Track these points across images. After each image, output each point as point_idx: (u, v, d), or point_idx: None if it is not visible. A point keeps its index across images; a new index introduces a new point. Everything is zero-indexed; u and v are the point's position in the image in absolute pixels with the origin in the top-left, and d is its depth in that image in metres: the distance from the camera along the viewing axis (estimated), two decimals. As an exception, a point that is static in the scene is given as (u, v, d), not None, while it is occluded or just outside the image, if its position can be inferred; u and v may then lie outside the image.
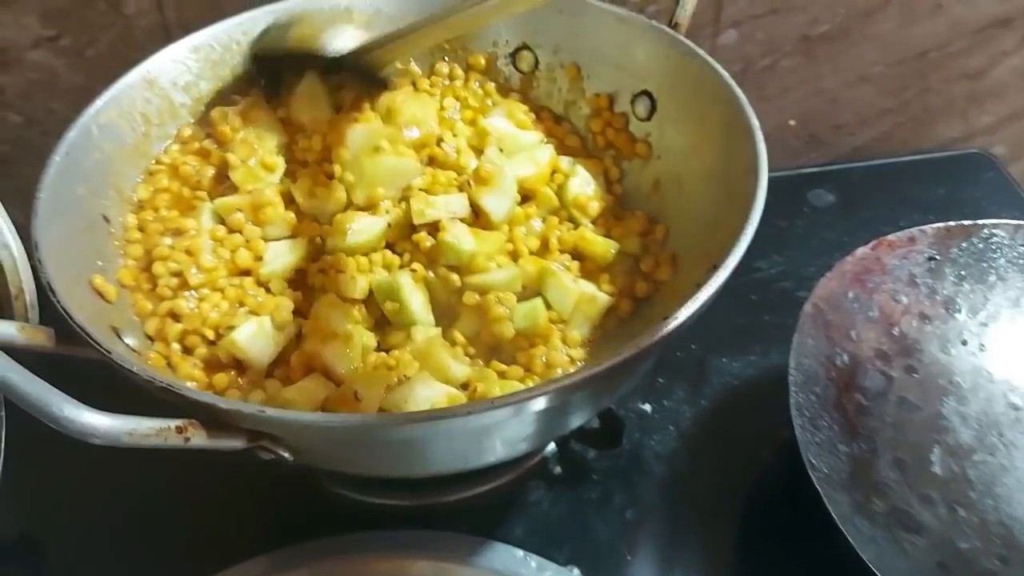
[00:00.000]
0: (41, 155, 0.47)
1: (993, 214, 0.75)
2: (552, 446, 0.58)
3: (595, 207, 0.57)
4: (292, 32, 0.56)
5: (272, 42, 0.57)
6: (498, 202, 0.54)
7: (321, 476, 0.55)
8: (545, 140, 0.60)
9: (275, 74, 0.58)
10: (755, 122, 0.49)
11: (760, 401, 0.59)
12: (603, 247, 0.54)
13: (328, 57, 0.55)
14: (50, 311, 0.41)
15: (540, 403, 0.37)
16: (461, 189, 0.55)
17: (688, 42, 0.55)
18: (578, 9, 0.60)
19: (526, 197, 0.57)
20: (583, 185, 0.57)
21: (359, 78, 0.56)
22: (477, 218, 0.54)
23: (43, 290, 0.41)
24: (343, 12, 0.60)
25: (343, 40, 0.55)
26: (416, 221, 0.52)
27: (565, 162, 0.58)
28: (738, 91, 0.51)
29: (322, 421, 0.37)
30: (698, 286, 0.41)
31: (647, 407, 0.61)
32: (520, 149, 0.59)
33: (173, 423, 0.34)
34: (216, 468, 0.49)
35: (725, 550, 0.53)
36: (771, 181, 0.79)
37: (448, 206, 0.53)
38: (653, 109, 0.59)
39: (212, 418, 0.36)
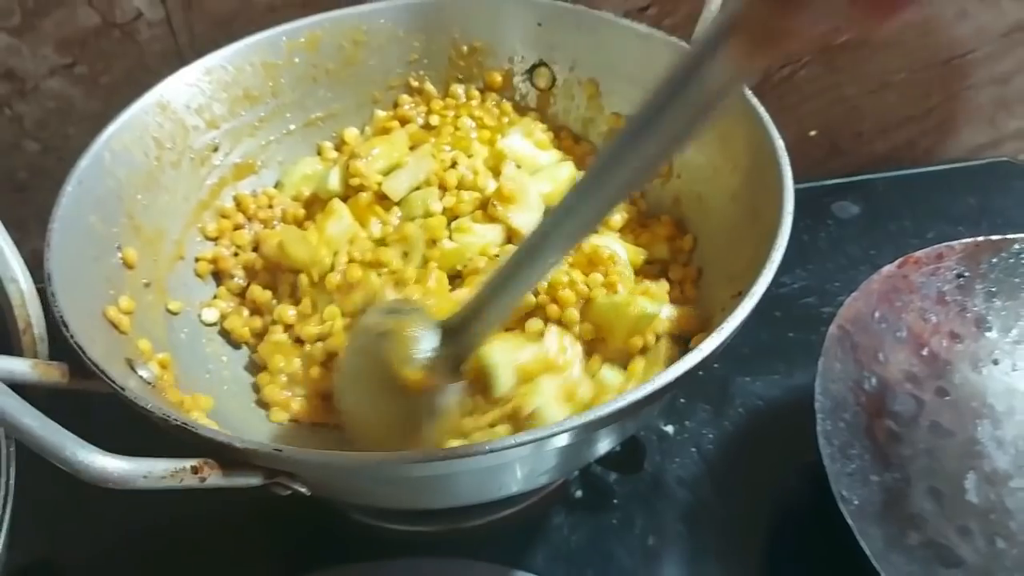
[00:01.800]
0: (58, 182, 0.47)
1: (1026, 224, 0.73)
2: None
3: (618, 219, 0.56)
4: None
5: None
6: (526, 218, 0.54)
7: (340, 504, 0.55)
8: (564, 158, 0.59)
9: None
10: (780, 143, 0.48)
11: (786, 423, 0.57)
12: (633, 254, 0.54)
13: None
14: (59, 343, 0.40)
15: (562, 439, 0.36)
16: (484, 208, 0.54)
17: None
18: (596, 25, 0.59)
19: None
20: None
21: None
22: (510, 240, 0.54)
23: (52, 322, 0.40)
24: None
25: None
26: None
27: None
28: (761, 109, 0.50)
29: (338, 461, 0.36)
30: (723, 311, 0.40)
31: (669, 428, 0.60)
32: (538, 169, 0.58)
33: (189, 463, 0.33)
34: (234, 494, 0.48)
35: (753, 581, 0.52)
36: (794, 194, 0.78)
37: (485, 235, 0.53)
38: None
39: (228, 456, 0.35)
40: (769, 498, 0.55)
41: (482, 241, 0.53)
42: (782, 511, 0.54)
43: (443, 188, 0.55)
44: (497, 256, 0.53)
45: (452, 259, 0.52)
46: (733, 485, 0.56)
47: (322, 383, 0.50)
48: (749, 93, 0.51)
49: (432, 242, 0.52)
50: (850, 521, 0.43)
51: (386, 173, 0.56)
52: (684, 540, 0.54)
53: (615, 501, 0.56)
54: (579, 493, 0.56)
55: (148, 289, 0.50)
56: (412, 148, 0.59)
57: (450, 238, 0.53)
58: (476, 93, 0.62)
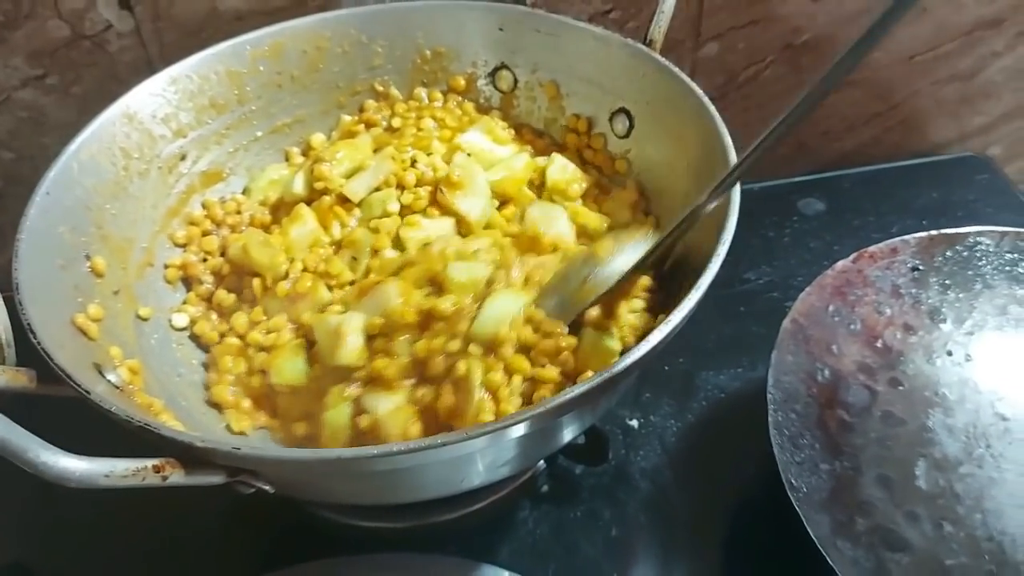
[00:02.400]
0: (33, 189, 0.48)
1: (988, 216, 0.75)
2: (542, 463, 0.58)
3: (576, 188, 0.58)
4: None
5: None
6: (472, 203, 0.55)
7: (309, 503, 0.56)
8: (521, 149, 0.61)
9: None
10: (728, 141, 0.49)
11: (746, 415, 0.58)
12: (595, 221, 0.55)
13: None
14: (28, 350, 0.41)
15: (518, 430, 0.37)
16: (434, 197, 0.55)
17: (662, 59, 0.55)
18: (555, 28, 0.60)
19: (505, 202, 0.58)
20: (560, 171, 0.58)
21: None
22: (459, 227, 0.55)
23: (21, 330, 0.42)
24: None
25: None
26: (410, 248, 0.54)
27: (541, 160, 0.59)
28: (711, 107, 0.51)
29: (296, 457, 0.37)
30: (670, 308, 0.41)
31: (633, 422, 0.61)
32: (496, 162, 0.59)
33: (150, 462, 0.34)
34: (205, 495, 0.49)
35: (711, 569, 0.53)
36: (760, 191, 0.80)
37: (430, 230, 0.54)
38: (631, 126, 0.59)
39: (190, 455, 0.36)
40: (727, 488, 0.56)
41: (426, 235, 0.54)
42: (739, 500, 0.55)
43: (402, 187, 0.57)
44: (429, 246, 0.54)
45: (389, 268, 0.53)
46: (694, 476, 0.57)
47: (260, 390, 0.52)
48: (700, 93, 0.52)
49: (374, 252, 0.54)
50: (797, 508, 0.45)
51: (349, 176, 0.58)
52: (646, 530, 0.55)
53: (581, 494, 0.57)
54: (545, 487, 0.58)
55: (117, 296, 0.51)
56: (376, 151, 0.60)
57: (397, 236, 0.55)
58: (439, 95, 0.64)
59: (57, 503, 0.56)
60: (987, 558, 0.47)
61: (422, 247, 0.54)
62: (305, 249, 0.55)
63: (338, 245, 0.56)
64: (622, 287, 0.47)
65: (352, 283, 0.54)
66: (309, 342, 0.52)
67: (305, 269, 0.54)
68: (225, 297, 0.55)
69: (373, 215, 0.56)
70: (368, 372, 0.48)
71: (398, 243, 0.55)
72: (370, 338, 0.49)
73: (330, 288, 0.54)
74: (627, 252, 0.49)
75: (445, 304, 0.47)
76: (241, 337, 0.54)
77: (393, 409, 0.46)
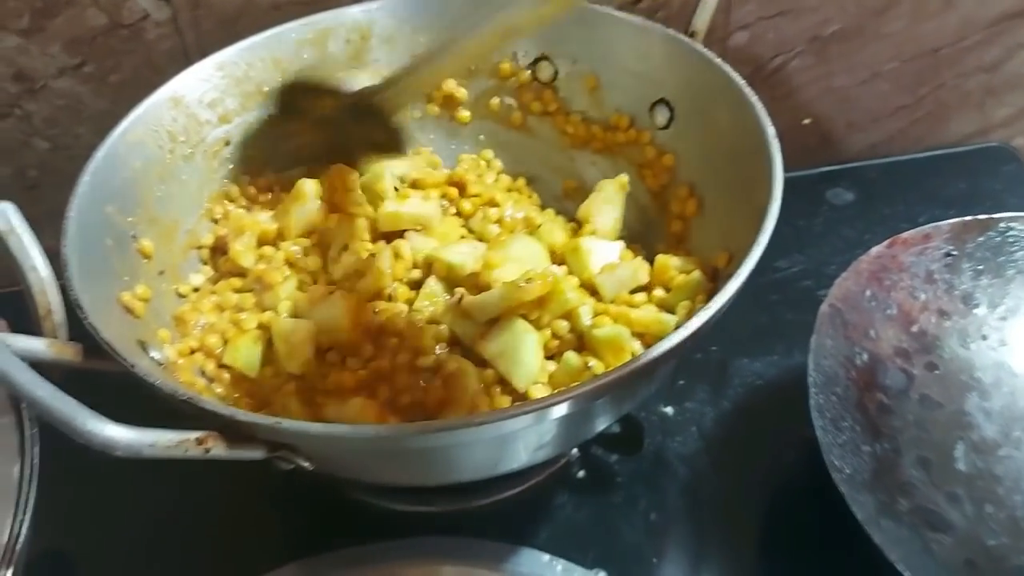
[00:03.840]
0: (68, 179, 0.48)
1: (1015, 206, 0.74)
2: (575, 451, 0.58)
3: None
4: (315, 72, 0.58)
5: (294, 77, 0.59)
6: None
7: (347, 485, 0.56)
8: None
9: (290, 107, 0.58)
10: (771, 130, 0.49)
11: (783, 401, 0.59)
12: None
13: (344, 92, 0.55)
14: (79, 328, 0.42)
15: (561, 409, 0.38)
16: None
17: (704, 50, 0.56)
18: (595, 19, 0.61)
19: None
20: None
21: (371, 127, 0.55)
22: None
23: (71, 307, 0.42)
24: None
25: (360, 79, 0.56)
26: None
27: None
28: (754, 99, 0.51)
29: (335, 432, 0.38)
30: (709, 296, 0.41)
31: (669, 410, 0.61)
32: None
33: (193, 435, 0.35)
34: (244, 478, 0.50)
35: (750, 551, 0.53)
36: (789, 181, 0.79)
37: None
38: (672, 117, 0.59)
39: (232, 430, 0.36)
40: (766, 471, 0.56)
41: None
42: (778, 483, 0.55)
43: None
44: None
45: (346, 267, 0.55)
46: (732, 461, 0.57)
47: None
48: (743, 83, 0.52)
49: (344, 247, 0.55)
50: (841, 489, 0.45)
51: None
52: (685, 514, 0.55)
53: (618, 480, 0.57)
54: (581, 474, 0.58)
55: (163, 277, 0.52)
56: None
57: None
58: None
59: (96, 492, 0.56)
60: (1029, 538, 0.48)
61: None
62: (302, 229, 0.56)
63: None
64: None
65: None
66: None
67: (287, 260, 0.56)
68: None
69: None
70: (326, 384, 0.49)
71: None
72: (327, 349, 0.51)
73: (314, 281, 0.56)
74: None
75: (398, 321, 0.48)
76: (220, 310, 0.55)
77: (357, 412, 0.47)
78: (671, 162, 0.58)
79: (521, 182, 0.65)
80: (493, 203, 0.60)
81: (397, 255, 0.55)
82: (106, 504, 0.57)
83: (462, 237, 0.59)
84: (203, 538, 0.56)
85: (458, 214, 0.61)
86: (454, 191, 0.61)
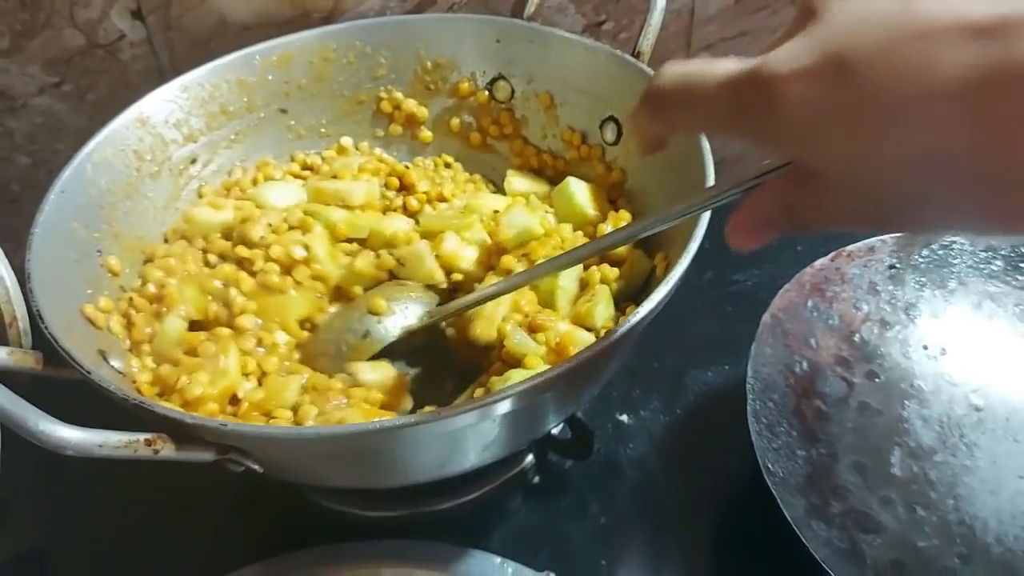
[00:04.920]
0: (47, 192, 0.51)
1: (972, 221, 0.76)
2: (530, 457, 0.60)
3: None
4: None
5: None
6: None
7: (307, 490, 0.58)
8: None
9: None
10: (705, 144, 0.51)
11: (731, 408, 0.60)
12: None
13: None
14: (42, 337, 0.44)
15: (503, 407, 0.39)
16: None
17: (646, 68, 0.58)
18: (547, 40, 0.63)
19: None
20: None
21: None
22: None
23: (35, 317, 0.44)
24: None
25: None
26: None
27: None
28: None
29: (277, 433, 0.40)
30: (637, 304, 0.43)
31: (624, 417, 0.63)
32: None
33: (142, 436, 0.37)
34: (203, 484, 0.52)
35: (696, 553, 0.55)
36: (746, 195, 0.81)
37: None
38: (619, 133, 0.61)
39: (181, 432, 0.38)
40: (712, 475, 0.58)
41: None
42: (723, 487, 0.57)
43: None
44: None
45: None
46: (681, 465, 0.59)
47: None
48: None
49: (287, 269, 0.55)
50: (774, 491, 0.47)
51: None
52: (634, 517, 0.57)
53: (571, 485, 0.59)
54: (536, 479, 0.60)
55: (123, 290, 0.54)
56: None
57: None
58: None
59: (69, 493, 0.58)
60: (958, 541, 0.49)
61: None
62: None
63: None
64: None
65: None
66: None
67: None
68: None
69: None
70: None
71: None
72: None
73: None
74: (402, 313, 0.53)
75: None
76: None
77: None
78: (619, 177, 0.61)
79: (477, 176, 0.67)
80: (442, 198, 0.62)
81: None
82: (78, 504, 0.59)
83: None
84: (168, 540, 0.57)
85: (405, 209, 0.62)
86: (395, 181, 0.63)
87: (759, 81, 0.27)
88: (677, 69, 0.31)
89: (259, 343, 0.51)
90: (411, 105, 0.67)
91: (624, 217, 0.58)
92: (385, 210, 0.62)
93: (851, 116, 0.26)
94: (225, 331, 0.51)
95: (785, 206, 0.31)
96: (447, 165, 0.68)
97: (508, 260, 0.54)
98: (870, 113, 0.25)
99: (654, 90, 0.32)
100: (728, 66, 0.29)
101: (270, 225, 0.55)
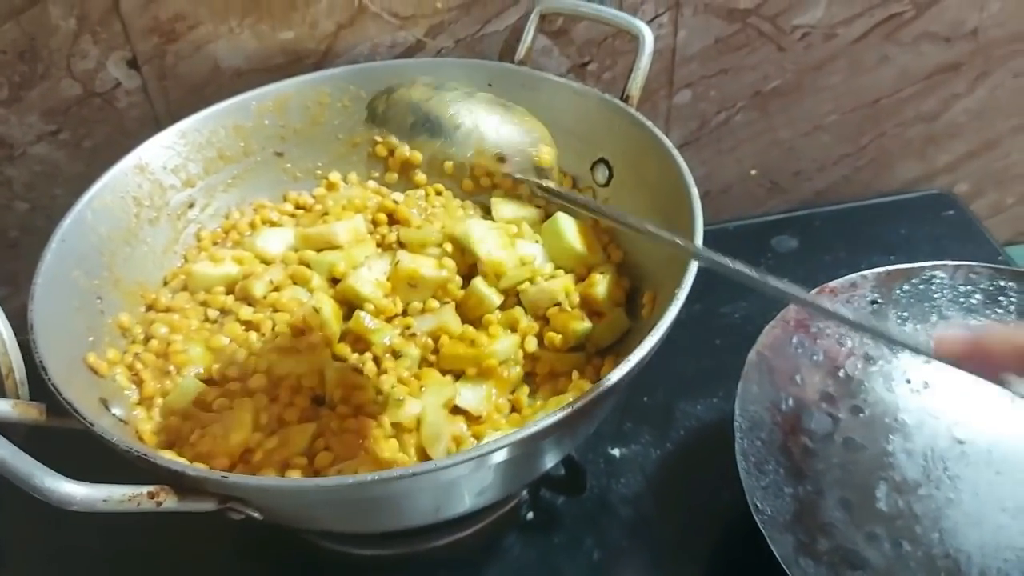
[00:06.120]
0: (46, 237, 0.52)
1: (954, 251, 0.78)
2: (524, 494, 0.61)
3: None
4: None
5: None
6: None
7: (303, 531, 0.59)
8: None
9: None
10: (692, 188, 0.53)
11: (721, 443, 0.61)
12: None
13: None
14: (41, 386, 0.45)
15: (500, 456, 0.40)
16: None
17: (635, 112, 0.60)
18: (538, 83, 0.65)
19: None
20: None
21: None
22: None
23: (32, 366, 0.45)
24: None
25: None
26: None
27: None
28: (679, 157, 0.55)
29: (278, 485, 0.41)
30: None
31: (615, 452, 0.64)
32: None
33: (145, 489, 0.38)
34: (204, 526, 0.53)
35: (688, 588, 0.56)
36: (735, 229, 0.83)
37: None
38: (610, 176, 0.63)
39: (183, 483, 0.39)
40: (703, 511, 0.59)
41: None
42: (714, 522, 0.58)
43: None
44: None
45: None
46: (673, 501, 0.60)
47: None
48: (669, 144, 0.56)
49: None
50: (762, 529, 0.48)
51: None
52: (627, 553, 0.58)
53: (564, 521, 0.60)
54: (530, 516, 0.60)
55: (127, 335, 0.55)
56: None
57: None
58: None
59: (63, 535, 0.59)
60: (943, 575, 0.50)
61: None
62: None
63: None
64: None
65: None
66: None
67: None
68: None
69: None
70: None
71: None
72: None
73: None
74: None
75: None
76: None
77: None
78: (606, 223, 0.62)
79: (468, 203, 0.68)
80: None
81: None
82: (69, 552, 0.59)
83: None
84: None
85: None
86: (382, 216, 0.64)
87: None
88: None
89: (274, 399, 0.52)
90: (405, 151, 0.68)
91: (616, 257, 0.60)
92: (378, 244, 0.63)
93: None
94: (237, 386, 0.52)
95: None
96: (438, 193, 0.69)
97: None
98: None
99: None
100: None
101: (271, 282, 0.57)
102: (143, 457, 0.40)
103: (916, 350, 0.36)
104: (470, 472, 0.42)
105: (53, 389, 0.44)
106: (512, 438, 0.40)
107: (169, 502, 0.39)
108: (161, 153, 0.61)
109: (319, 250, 0.60)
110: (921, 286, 0.62)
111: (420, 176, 0.69)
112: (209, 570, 0.59)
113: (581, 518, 0.60)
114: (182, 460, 0.45)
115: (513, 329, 0.57)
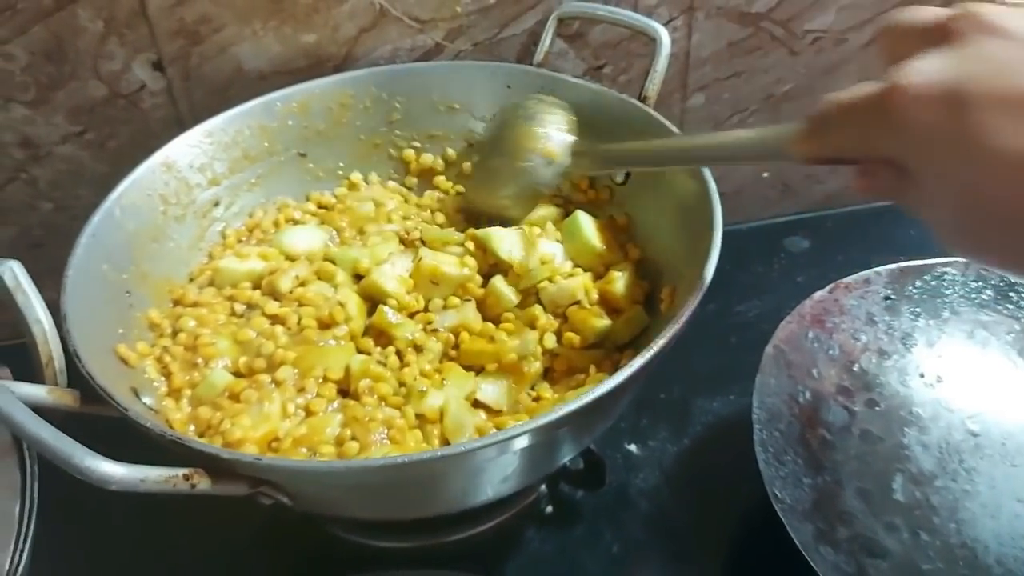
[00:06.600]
0: (70, 237, 0.53)
1: (962, 252, 0.79)
2: (543, 488, 0.61)
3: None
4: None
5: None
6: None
7: (326, 522, 0.59)
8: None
9: None
10: (713, 187, 0.53)
11: (738, 437, 0.62)
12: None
13: None
14: (77, 375, 0.46)
15: (521, 442, 0.41)
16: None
17: (654, 113, 0.61)
18: (555, 85, 0.66)
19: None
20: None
21: None
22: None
23: (70, 357, 0.46)
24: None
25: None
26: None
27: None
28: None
29: (310, 467, 0.42)
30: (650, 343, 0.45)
31: (633, 447, 0.65)
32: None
33: (180, 471, 0.38)
34: (228, 517, 0.54)
35: (708, 579, 0.57)
36: (749, 230, 0.85)
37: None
38: (628, 174, 0.64)
39: (216, 466, 0.40)
40: (721, 503, 0.60)
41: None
42: (732, 514, 0.59)
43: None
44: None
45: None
46: (690, 494, 0.61)
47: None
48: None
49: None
50: (782, 517, 0.48)
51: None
52: (646, 546, 0.58)
53: (583, 515, 0.61)
54: (549, 509, 0.61)
55: (154, 329, 0.56)
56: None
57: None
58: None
59: (90, 531, 0.59)
60: (961, 564, 0.51)
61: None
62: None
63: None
64: None
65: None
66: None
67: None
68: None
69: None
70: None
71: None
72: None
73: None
74: None
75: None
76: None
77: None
78: (624, 221, 0.63)
79: None
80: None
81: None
82: (98, 540, 0.60)
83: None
84: (189, 573, 0.59)
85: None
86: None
87: (890, 95, 0.31)
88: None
89: (301, 390, 0.52)
90: (427, 159, 0.69)
91: (634, 255, 0.61)
92: (401, 241, 0.63)
93: (953, 151, 0.30)
94: (266, 378, 0.52)
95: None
96: (459, 194, 0.69)
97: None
98: (970, 155, 0.29)
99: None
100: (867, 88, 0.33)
101: (297, 277, 0.58)
102: (178, 441, 0.41)
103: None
104: (494, 457, 0.43)
105: (87, 376, 0.45)
106: (536, 423, 0.41)
107: (203, 484, 0.39)
108: (187, 152, 0.62)
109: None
110: (933, 282, 0.63)
111: (440, 179, 0.70)
112: (231, 560, 0.59)
113: (600, 512, 0.61)
114: (212, 444, 0.46)
115: (532, 326, 0.58)
